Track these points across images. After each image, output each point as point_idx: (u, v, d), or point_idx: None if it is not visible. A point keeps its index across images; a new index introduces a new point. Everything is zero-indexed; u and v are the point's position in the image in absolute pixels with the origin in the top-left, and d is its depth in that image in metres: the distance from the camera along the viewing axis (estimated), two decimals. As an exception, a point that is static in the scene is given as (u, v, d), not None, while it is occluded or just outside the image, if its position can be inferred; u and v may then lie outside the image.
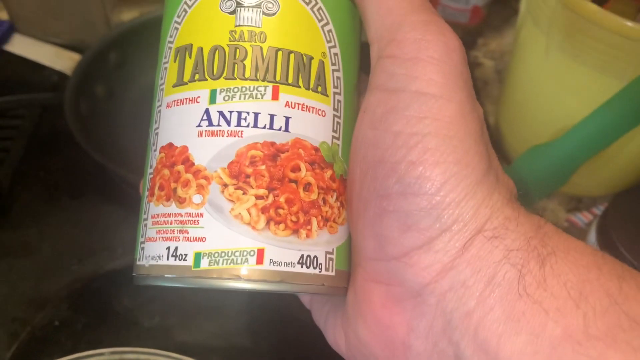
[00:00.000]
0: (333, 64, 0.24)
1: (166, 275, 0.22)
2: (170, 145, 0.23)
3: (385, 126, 0.21)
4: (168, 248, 0.22)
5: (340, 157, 0.24)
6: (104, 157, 0.47)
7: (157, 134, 0.25)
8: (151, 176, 0.24)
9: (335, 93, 0.24)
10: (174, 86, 0.24)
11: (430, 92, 0.20)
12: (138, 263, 0.24)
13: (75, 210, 0.50)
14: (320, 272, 0.22)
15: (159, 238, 0.23)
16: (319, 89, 0.23)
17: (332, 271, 0.23)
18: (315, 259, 0.22)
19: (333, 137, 0.24)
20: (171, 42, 0.25)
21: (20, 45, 0.56)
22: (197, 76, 0.23)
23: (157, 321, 0.44)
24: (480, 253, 0.19)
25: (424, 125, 0.20)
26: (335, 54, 0.24)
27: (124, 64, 0.56)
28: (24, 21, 0.59)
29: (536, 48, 0.45)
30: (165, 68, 0.25)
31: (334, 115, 0.24)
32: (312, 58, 0.23)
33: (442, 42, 0.21)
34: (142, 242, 0.24)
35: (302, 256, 0.22)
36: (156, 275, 0.23)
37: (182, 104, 0.23)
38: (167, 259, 0.22)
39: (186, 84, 0.23)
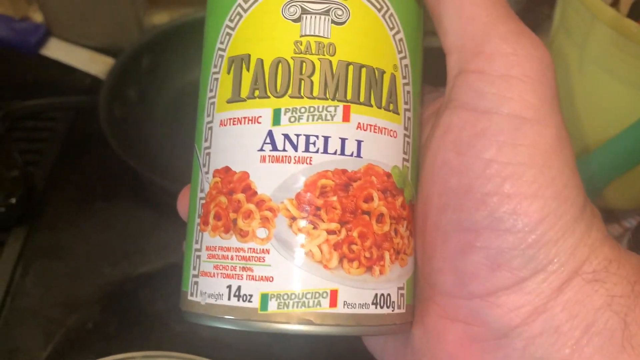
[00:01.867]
0: (404, 77, 0.22)
1: (228, 317, 0.20)
2: (227, 169, 0.21)
3: (474, 152, 0.19)
4: (229, 287, 0.20)
5: (409, 181, 0.22)
6: (137, 161, 0.47)
7: (208, 154, 0.22)
8: (203, 202, 0.22)
9: (405, 110, 0.22)
10: (228, 102, 0.22)
11: (525, 115, 0.18)
12: (190, 298, 0.22)
13: (108, 213, 0.51)
14: (393, 310, 0.21)
15: (218, 274, 0.21)
16: (391, 107, 0.21)
17: (404, 308, 0.21)
18: (388, 297, 0.21)
19: (404, 159, 0.22)
20: (223, 50, 0.22)
21: (56, 50, 0.57)
22: (257, 92, 0.21)
23: (188, 325, 0.45)
24: (578, 297, 0.18)
25: (519, 152, 0.18)
26: (406, 66, 0.22)
27: (156, 68, 0.57)
28: (58, 25, 0.60)
29: (569, 61, 0.45)
30: (216, 79, 0.22)
31: (405, 135, 0.22)
32: (384, 72, 0.21)
33: (537, 57, 0.19)
34: (195, 275, 0.22)
35: (376, 295, 0.20)
36: (216, 316, 0.21)
37: (240, 123, 0.21)
38: (229, 299, 0.20)
39: (244, 100, 0.21)
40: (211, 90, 0.22)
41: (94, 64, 0.56)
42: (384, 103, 0.21)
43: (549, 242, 0.18)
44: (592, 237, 0.18)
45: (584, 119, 0.46)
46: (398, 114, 0.22)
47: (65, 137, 0.55)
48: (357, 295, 0.20)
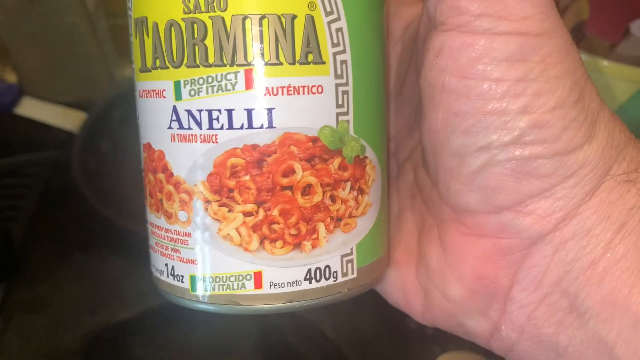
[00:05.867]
0: (329, 13, 0.18)
1: (170, 294, 0.21)
2: (149, 146, 0.20)
3: (480, 74, 0.17)
4: (167, 265, 0.21)
5: (352, 136, 0.20)
6: (111, 211, 0.49)
7: (139, 124, 0.21)
8: (142, 174, 0.22)
9: (335, 53, 0.19)
10: (140, 71, 0.20)
11: (529, 31, 0.17)
12: (151, 267, 0.22)
13: (85, 263, 0.52)
14: (335, 281, 0.20)
15: (159, 251, 0.21)
16: (310, 57, 0.18)
17: (353, 273, 0.20)
18: (327, 269, 0.19)
19: (338, 114, 0.19)
20: (130, 10, 0.20)
21: (29, 108, 0.58)
22: (158, 62, 0.19)
23: (167, 369, 0.46)
24: (610, 198, 0.18)
25: (530, 69, 0.17)
26: None
27: (128, 119, 0.58)
28: (31, 82, 0.62)
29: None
30: (131, 43, 0.21)
31: (337, 85, 0.19)
32: (294, 17, 0.18)
33: None
34: (150, 246, 0.22)
35: (309, 271, 0.19)
36: (163, 289, 0.21)
37: (150, 96, 0.20)
38: (168, 277, 0.21)
39: (150, 71, 0.19)
40: (132, 55, 0.21)
41: (67, 119, 0.58)
42: (298, 56, 0.18)
43: (576, 148, 0.18)
44: (616, 139, 0.18)
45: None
46: (323, 62, 0.19)
47: (41, 191, 0.57)
48: (284, 274, 0.19)
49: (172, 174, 0.19)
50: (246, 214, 0.19)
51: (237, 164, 0.18)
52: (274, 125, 0.18)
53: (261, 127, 0.18)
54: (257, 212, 0.19)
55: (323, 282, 0.20)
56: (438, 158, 0.20)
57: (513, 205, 0.18)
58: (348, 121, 0.19)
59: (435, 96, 0.19)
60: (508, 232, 0.19)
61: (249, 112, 0.18)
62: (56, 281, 0.51)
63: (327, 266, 0.20)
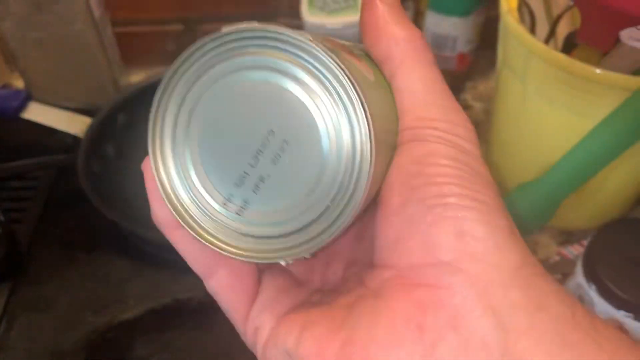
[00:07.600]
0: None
1: None
2: None
3: (429, 161, 0.22)
4: None
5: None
6: (115, 213, 0.50)
7: None
8: None
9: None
10: None
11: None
12: None
13: (90, 264, 0.53)
14: None
15: None
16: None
17: None
18: None
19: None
20: None
21: (36, 112, 0.59)
22: None
23: (168, 368, 0.46)
24: (529, 282, 0.20)
25: (466, 166, 0.21)
26: None
27: (132, 124, 0.60)
28: (38, 88, 0.64)
29: (514, 93, 0.48)
30: None
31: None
32: None
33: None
34: None
35: None
36: None
37: None
38: None
39: None
40: None
41: (73, 124, 0.59)
42: None
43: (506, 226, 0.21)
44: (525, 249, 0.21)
45: (535, 144, 0.49)
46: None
47: (47, 194, 0.58)
48: None
49: None
50: None
51: None
52: None
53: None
54: None
55: None
56: (390, 231, 0.22)
57: (452, 260, 0.20)
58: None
59: (395, 180, 0.22)
60: (442, 283, 0.21)
61: None
62: (60, 282, 0.52)
63: None
